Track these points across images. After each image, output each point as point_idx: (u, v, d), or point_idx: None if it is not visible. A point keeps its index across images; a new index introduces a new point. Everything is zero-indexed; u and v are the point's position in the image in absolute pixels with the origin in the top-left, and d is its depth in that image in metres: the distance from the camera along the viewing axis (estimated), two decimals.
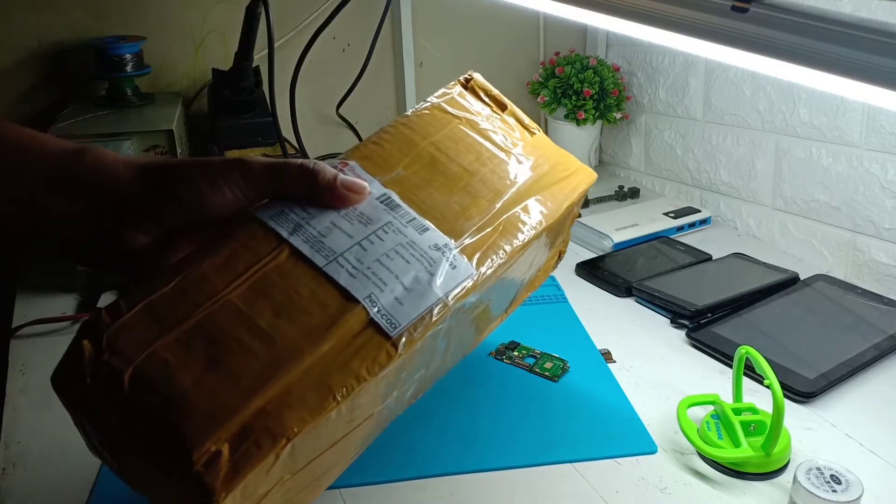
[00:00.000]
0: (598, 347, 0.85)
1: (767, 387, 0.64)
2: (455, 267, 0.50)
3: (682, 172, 1.29)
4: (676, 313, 0.91)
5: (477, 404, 0.75)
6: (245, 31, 1.07)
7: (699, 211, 1.19)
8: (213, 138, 1.16)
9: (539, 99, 1.35)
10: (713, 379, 0.80)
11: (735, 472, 0.66)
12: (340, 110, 1.35)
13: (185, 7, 1.22)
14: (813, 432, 0.72)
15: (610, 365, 0.82)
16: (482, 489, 0.66)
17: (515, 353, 0.83)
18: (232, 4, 1.19)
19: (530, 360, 0.82)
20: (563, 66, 1.33)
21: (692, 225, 1.18)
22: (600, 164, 1.46)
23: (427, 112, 0.61)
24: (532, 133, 0.64)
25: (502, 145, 0.61)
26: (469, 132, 0.61)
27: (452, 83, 0.64)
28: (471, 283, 0.50)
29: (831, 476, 0.59)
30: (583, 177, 0.64)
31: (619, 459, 0.69)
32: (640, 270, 1.02)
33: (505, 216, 0.55)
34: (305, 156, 1.18)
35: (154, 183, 0.47)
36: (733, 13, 0.53)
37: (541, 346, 0.84)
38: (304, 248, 0.48)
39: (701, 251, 1.08)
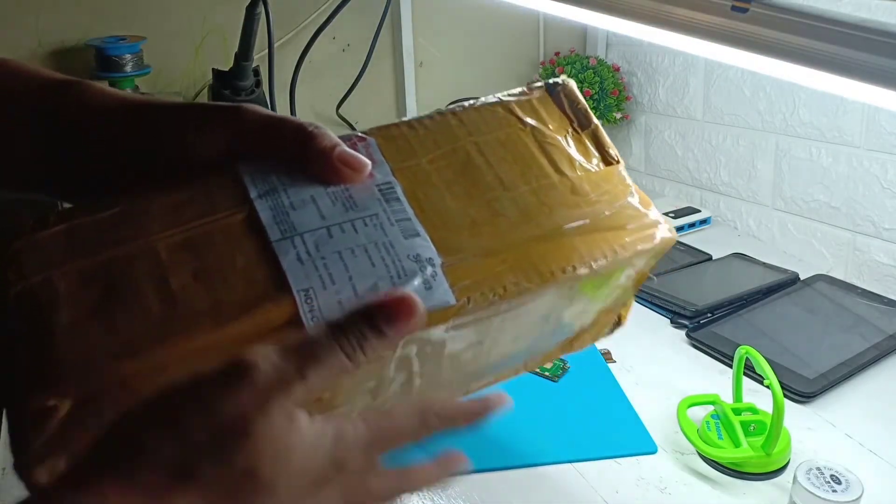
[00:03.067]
0: (598, 347, 0.85)
1: (767, 387, 0.64)
2: (430, 288, 0.41)
3: (682, 172, 1.29)
4: (676, 313, 0.91)
5: None
6: (245, 31, 1.07)
7: (699, 211, 1.19)
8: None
9: None
10: (713, 379, 0.80)
11: (735, 472, 0.66)
12: (340, 110, 1.35)
13: (185, 7, 1.22)
14: (813, 432, 0.72)
15: (610, 365, 0.82)
16: (482, 489, 0.66)
17: None
18: (232, 4, 1.19)
19: None
20: (563, 66, 1.33)
21: (692, 225, 1.18)
22: None
23: (489, 107, 0.50)
24: (610, 162, 0.51)
25: (561, 167, 0.49)
26: (527, 142, 0.50)
27: (539, 83, 0.53)
28: (441, 313, 0.41)
29: (831, 476, 0.59)
30: (653, 233, 0.48)
31: (619, 459, 0.69)
32: None
33: (524, 247, 0.44)
34: None
35: (137, 123, 0.44)
36: (733, 13, 0.53)
37: None
38: (264, 216, 0.42)
39: (701, 251, 1.08)
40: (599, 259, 0.46)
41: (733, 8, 0.53)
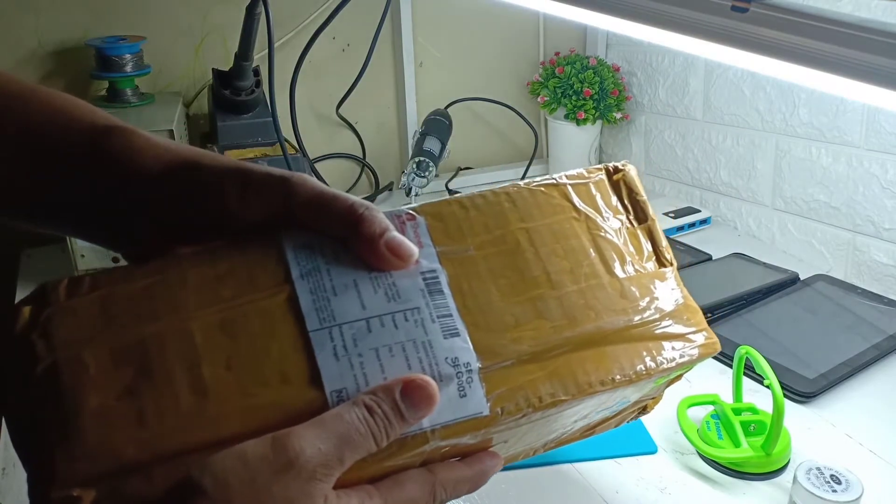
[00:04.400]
0: None
1: (767, 387, 0.64)
2: (464, 396, 0.41)
3: (682, 172, 1.29)
4: None
5: None
6: (245, 31, 1.07)
7: (699, 211, 1.19)
8: (213, 138, 1.16)
9: (539, 99, 1.35)
10: (713, 379, 0.80)
11: (735, 472, 0.66)
12: (340, 110, 1.35)
13: (185, 7, 1.22)
14: (813, 432, 0.72)
15: None
16: (482, 489, 0.65)
17: None
18: (232, 4, 1.19)
19: None
20: (563, 66, 1.33)
21: (692, 225, 1.18)
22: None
23: (544, 190, 0.49)
24: (664, 264, 0.50)
25: (612, 266, 0.48)
26: (580, 233, 0.48)
27: (599, 167, 0.51)
28: (473, 423, 0.41)
29: (831, 476, 0.59)
30: (696, 346, 0.48)
31: (619, 459, 0.69)
32: None
33: (565, 356, 0.43)
34: (306, 156, 1.18)
35: (179, 185, 0.43)
36: (733, 13, 0.53)
37: None
38: (304, 301, 0.41)
39: (701, 251, 1.08)
40: (641, 372, 0.45)
41: (733, 8, 0.53)
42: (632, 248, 0.49)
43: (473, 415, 0.40)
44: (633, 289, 0.47)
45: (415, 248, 0.43)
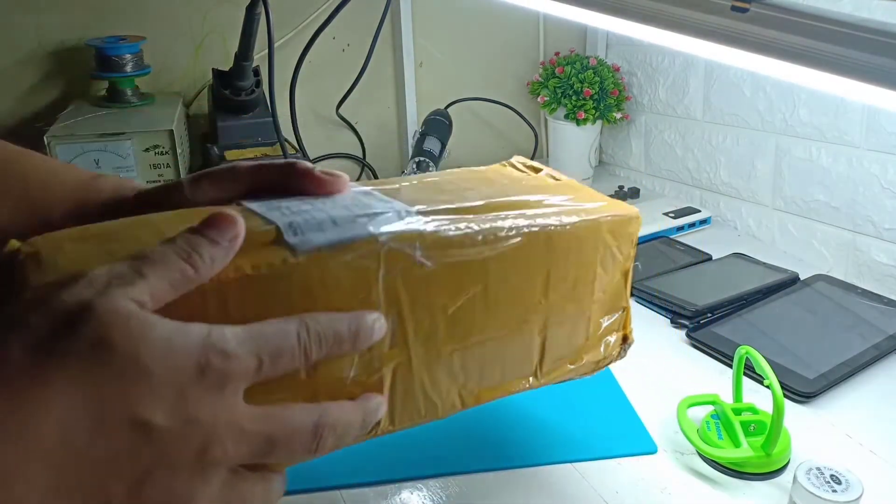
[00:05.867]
0: None
1: (767, 387, 0.64)
2: (404, 219, 0.46)
3: (682, 172, 1.29)
4: (676, 313, 0.91)
5: None
6: (245, 31, 1.07)
7: (699, 211, 1.19)
8: (213, 138, 1.16)
9: (539, 99, 1.35)
10: (713, 379, 0.80)
11: (735, 472, 0.66)
12: (340, 110, 1.35)
13: (185, 7, 1.22)
14: (813, 432, 0.72)
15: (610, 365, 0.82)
16: (482, 489, 0.66)
17: None
18: (232, 4, 1.19)
19: None
20: (563, 66, 1.33)
21: (692, 225, 1.18)
22: (600, 164, 1.46)
23: (454, 169, 0.60)
24: (566, 181, 0.61)
25: (521, 179, 0.58)
26: (487, 174, 0.59)
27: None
28: (416, 233, 0.45)
29: (831, 476, 0.59)
30: (618, 207, 0.56)
31: (619, 459, 0.69)
32: (640, 270, 1.02)
33: (493, 209, 0.50)
34: (306, 156, 1.18)
35: (147, 203, 0.48)
36: (733, 13, 0.53)
37: None
38: (256, 207, 0.45)
39: (701, 251, 1.08)
40: (568, 219, 0.52)
41: (733, 8, 0.53)
42: (535, 177, 0.60)
43: (416, 229, 0.46)
44: (547, 188, 0.57)
45: (345, 175, 0.49)
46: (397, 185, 0.52)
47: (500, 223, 0.49)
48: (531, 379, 0.56)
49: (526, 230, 0.50)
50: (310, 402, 0.40)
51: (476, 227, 0.48)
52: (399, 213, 0.46)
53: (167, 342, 0.34)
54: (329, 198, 0.48)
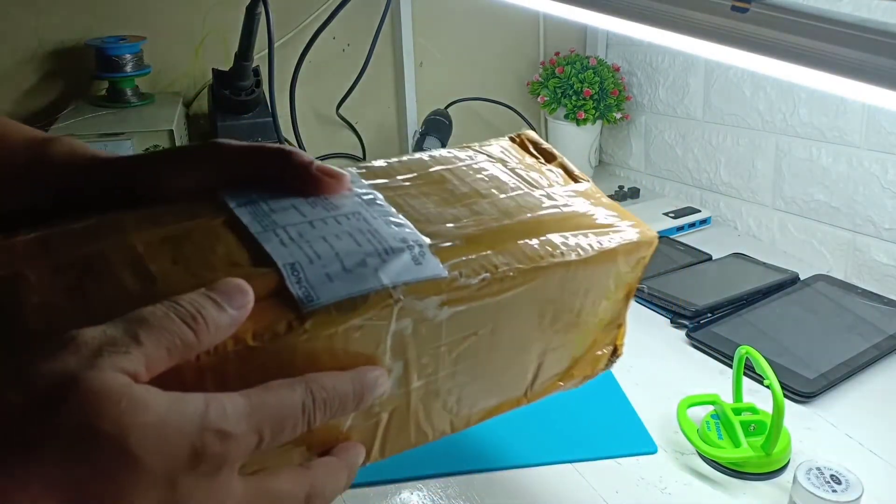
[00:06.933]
0: None
1: (767, 387, 0.64)
2: (420, 263, 0.41)
3: (682, 172, 1.29)
4: (676, 313, 0.91)
5: None
6: (245, 31, 1.07)
7: (699, 211, 1.19)
8: (212, 138, 1.16)
9: (539, 99, 1.35)
10: (713, 379, 0.80)
11: (735, 472, 0.66)
12: (340, 110, 1.35)
13: (185, 7, 1.22)
14: (813, 432, 0.72)
15: None
16: (482, 489, 0.66)
17: None
18: (232, 4, 1.19)
19: None
20: (563, 66, 1.33)
21: (692, 225, 1.18)
22: (600, 164, 1.46)
23: (457, 150, 0.53)
24: (579, 181, 0.54)
25: (535, 182, 0.51)
26: (497, 169, 0.52)
27: (502, 138, 0.57)
28: (436, 286, 0.40)
29: (831, 476, 0.59)
30: (635, 231, 0.50)
31: (619, 459, 0.69)
32: None
33: (510, 238, 0.45)
34: None
35: (110, 173, 0.44)
36: (733, 13, 0.53)
37: None
38: (245, 218, 0.41)
39: (701, 251, 1.08)
40: (586, 248, 0.47)
41: (733, 8, 0.53)
42: (549, 176, 0.53)
43: (433, 275, 0.40)
44: (561, 195, 0.51)
45: (346, 172, 0.45)
46: (400, 182, 0.48)
47: (518, 264, 0.44)
48: (522, 399, 0.54)
49: (545, 264, 0.45)
50: (302, 451, 0.39)
51: (495, 270, 0.43)
52: (412, 247, 0.41)
53: (160, 426, 0.30)
54: (327, 201, 0.43)
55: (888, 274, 0.99)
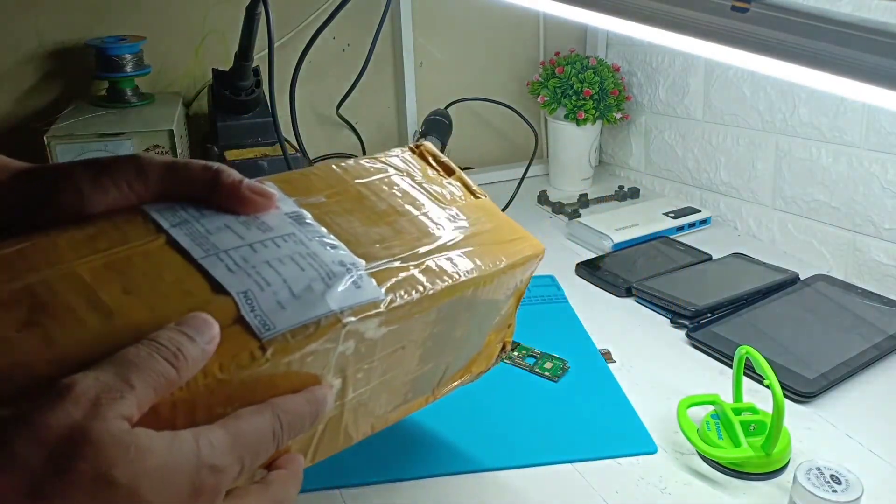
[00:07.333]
0: (598, 347, 0.85)
1: (767, 387, 0.64)
2: (360, 287, 0.44)
3: (682, 172, 1.29)
4: (676, 313, 0.91)
5: (477, 404, 0.75)
6: (245, 31, 1.07)
7: (699, 211, 1.19)
8: (213, 138, 1.16)
9: (539, 99, 1.35)
10: (713, 379, 0.80)
11: (735, 472, 0.66)
12: (340, 110, 1.35)
13: (185, 7, 1.22)
14: (813, 432, 0.72)
15: (610, 365, 0.82)
16: (482, 489, 0.66)
17: (515, 354, 0.83)
18: (232, 4, 1.19)
19: (530, 361, 0.82)
20: (563, 66, 1.33)
21: (692, 225, 1.18)
22: (600, 164, 1.46)
23: (365, 161, 0.57)
24: (478, 197, 0.60)
25: (442, 199, 0.57)
26: (406, 184, 0.57)
27: (401, 148, 0.62)
28: (375, 308, 0.44)
29: (831, 476, 0.59)
30: (529, 245, 0.58)
31: (619, 459, 0.69)
32: (640, 270, 1.02)
33: (430, 258, 0.50)
34: (306, 156, 1.18)
35: (30, 187, 0.43)
36: (733, 13, 0.53)
37: (541, 346, 0.84)
38: (183, 240, 0.42)
39: (701, 251, 1.08)
40: (495, 263, 0.54)
41: (733, 8, 0.53)
42: (451, 190, 0.59)
43: (373, 299, 0.44)
44: (464, 212, 0.57)
45: (274, 191, 0.47)
46: (322, 200, 0.50)
47: (440, 282, 0.49)
48: (430, 398, 0.60)
49: (462, 280, 0.50)
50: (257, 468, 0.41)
51: (423, 290, 0.47)
52: (349, 271, 0.45)
53: (163, 469, 0.32)
54: (258, 220, 0.45)
55: (888, 274, 0.99)
